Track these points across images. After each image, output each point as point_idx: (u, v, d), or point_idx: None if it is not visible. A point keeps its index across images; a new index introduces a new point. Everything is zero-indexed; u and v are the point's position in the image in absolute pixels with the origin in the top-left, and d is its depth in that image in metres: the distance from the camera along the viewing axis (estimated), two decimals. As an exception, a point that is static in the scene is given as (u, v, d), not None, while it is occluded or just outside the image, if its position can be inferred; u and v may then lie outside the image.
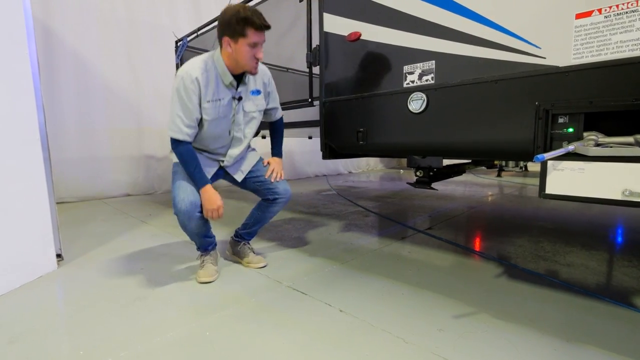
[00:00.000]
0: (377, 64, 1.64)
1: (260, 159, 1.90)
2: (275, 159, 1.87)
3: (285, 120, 1.99)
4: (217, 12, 5.51)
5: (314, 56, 1.95)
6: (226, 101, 1.57)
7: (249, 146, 1.87)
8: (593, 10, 1.07)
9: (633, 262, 1.93)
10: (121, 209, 3.77)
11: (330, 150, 1.95)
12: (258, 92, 1.69)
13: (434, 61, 1.44)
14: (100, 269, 1.92)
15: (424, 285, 1.65)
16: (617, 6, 1.03)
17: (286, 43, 2.47)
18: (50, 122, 2.00)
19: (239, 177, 1.81)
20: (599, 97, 1.09)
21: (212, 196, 1.57)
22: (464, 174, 3.38)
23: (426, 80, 1.47)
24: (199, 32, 3.35)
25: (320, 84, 1.91)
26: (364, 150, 1.77)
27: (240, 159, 1.82)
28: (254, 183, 1.84)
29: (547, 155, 1.09)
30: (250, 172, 1.83)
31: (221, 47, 1.52)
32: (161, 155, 4.86)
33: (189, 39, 3.47)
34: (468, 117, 1.37)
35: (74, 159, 4.16)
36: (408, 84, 1.53)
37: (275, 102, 1.83)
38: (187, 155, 1.57)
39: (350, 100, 1.78)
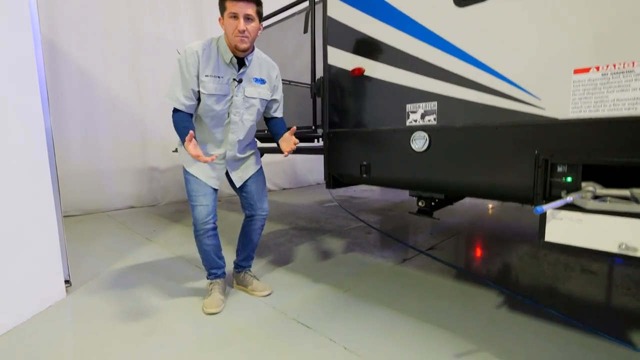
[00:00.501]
0: (380, 100, 1.68)
1: (260, 171, 1.94)
2: (286, 135, 1.72)
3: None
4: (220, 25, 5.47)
5: (318, 87, 1.98)
6: (225, 80, 1.61)
7: (253, 146, 1.90)
8: (591, 67, 1.10)
9: (632, 289, 1.95)
10: (125, 223, 3.81)
11: (334, 180, 1.98)
12: (263, 81, 1.71)
13: (436, 102, 1.47)
14: (108, 297, 1.96)
15: (427, 317, 1.68)
16: (614, 65, 1.06)
17: (293, 66, 2.51)
18: (55, 136, 2.03)
19: (237, 183, 1.86)
20: (596, 151, 1.12)
21: (190, 146, 1.49)
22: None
23: (428, 121, 1.51)
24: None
25: (323, 115, 1.95)
26: (367, 182, 1.81)
27: (243, 161, 1.85)
28: (242, 192, 1.91)
29: (545, 207, 1.12)
30: (246, 180, 1.88)
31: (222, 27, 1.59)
32: (164, 167, 4.90)
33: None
34: (470, 159, 1.41)
35: (78, 172, 4.20)
36: (411, 122, 1.57)
37: (278, 96, 1.82)
38: (179, 122, 1.59)
39: (354, 133, 1.81)
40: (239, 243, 2.03)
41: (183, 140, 1.52)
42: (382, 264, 2.43)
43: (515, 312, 1.72)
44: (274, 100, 1.81)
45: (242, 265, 2.04)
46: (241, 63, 1.63)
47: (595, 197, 1.13)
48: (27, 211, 1.77)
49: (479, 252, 2.73)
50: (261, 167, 1.95)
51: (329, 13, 1.85)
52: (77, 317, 1.76)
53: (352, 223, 3.71)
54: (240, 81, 1.63)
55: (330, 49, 1.87)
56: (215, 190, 1.81)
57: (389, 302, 1.85)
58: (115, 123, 4.46)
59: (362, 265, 2.42)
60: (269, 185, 6.16)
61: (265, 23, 2.58)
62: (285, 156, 1.67)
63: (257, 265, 2.42)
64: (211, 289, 1.85)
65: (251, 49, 1.63)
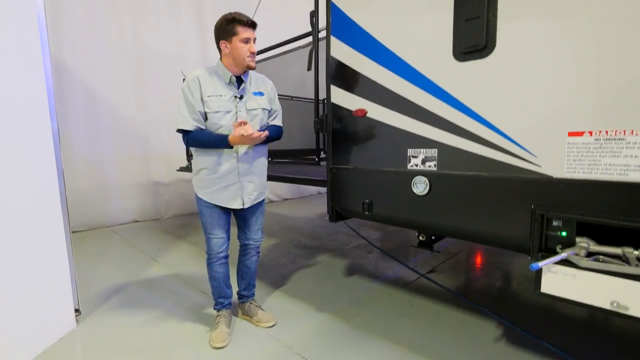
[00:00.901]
0: (383, 142, 1.73)
1: (264, 201, 2.00)
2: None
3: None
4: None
5: (322, 123, 2.04)
6: (227, 97, 1.73)
7: (264, 165, 1.95)
8: (585, 132, 1.15)
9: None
10: (130, 240, 3.87)
11: (337, 214, 2.04)
12: (262, 93, 1.85)
13: (436, 150, 1.52)
14: (117, 329, 2.01)
15: (428, 352, 1.73)
16: (607, 132, 1.11)
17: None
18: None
19: (247, 203, 1.85)
20: (590, 210, 1.17)
21: (236, 134, 1.65)
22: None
23: (429, 166, 1.56)
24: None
25: (327, 150, 2.00)
26: (369, 219, 1.86)
27: (254, 182, 1.87)
28: (240, 218, 1.97)
29: (541, 264, 1.18)
30: (250, 206, 1.90)
31: (220, 52, 1.74)
32: (168, 180, 4.95)
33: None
34: (469, 207, 1.46)
35: (83, 188, 4.25)
36: (412, 166, 1.62)
37: (275, 106, 1.95)
38: (201, 135, 1.72)
39: (357, 170, 1.86)
40: (238, 273, 2.10)
41: (221, 143, 1.70)
42: (383, 289, 2.48)
43: (514, 346, 1.77)
44: (272, 110, 1.93)
45: (245, 295, 2.10)
46: (239, 81, 1.77)
47: (589, 253, 1.19)
48: (37, 239, 1.80)
49: (477, 276, 2.78)
50: (264, 200, 2.02)
51: (332, 53, 1.90)
52: (88, 350, 1.81)
53: (353, 240, 3.77)
54: (241, 97, 1.77)
55: (333, 88, 1.92)
56: (229, 214, 1.89)
57: (391, 334, 1.90)
58: (118, 138, 4.52)
59: (364, 290, 2.47)
60: (270, 195, 6.21)
61: (273, 52, 2.64)
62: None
63: (260, 290, 2.47)
64: (218, 322, 1.90)
65: None
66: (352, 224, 4.46)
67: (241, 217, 1.96)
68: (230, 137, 1.68)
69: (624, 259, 1.12)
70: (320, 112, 2.21)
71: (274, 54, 2.81)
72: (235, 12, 1.68)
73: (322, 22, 2.06)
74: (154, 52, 4.71)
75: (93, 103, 4.32)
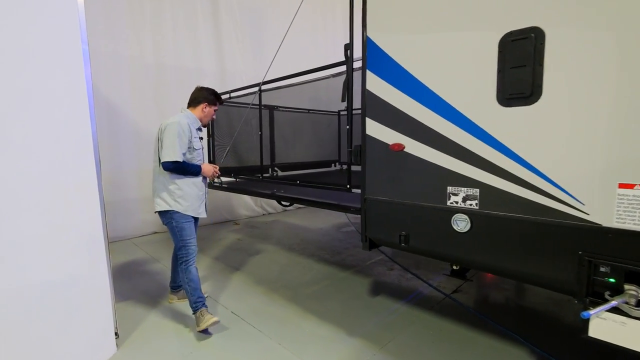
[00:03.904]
0: (420, 177, 1.76)
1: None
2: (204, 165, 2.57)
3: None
4: (239, 54, 5.62)
5: (356, 154, 2.07)
6: (198, 138, 2.44)
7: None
8: (635, 185, 1.18)
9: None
10: (152, 253, 3.93)
11: (371, 242, 2.07)
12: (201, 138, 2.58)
13: (478, 190, 1.55)
14: (154, 354, 2.06)
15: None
16: (659, 186, 1.14)
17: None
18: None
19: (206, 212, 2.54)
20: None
21: (206, 167, 2.44)
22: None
23: (470, 205, 1.59)
24: (231, 95, 3.51)
25: (361, 181, 2.04)
26: (406, 251, 1.89)
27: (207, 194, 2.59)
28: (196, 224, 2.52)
29: (592, 313, 1.21)
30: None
31: (196, 106, 2.46)
32: (186, 192, 5.01)
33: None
34: (511, 246, 1.49)
35: (106, 201, 4.32)
36: (452, 203, 1.65)
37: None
38: (185, 164, 2.30)
39: (392, 203, 1.90)
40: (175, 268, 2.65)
41: (198, 170, 2.37)
42: (411, 312, 2.51)
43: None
44: None
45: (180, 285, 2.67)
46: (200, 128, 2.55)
47: (639, 302, 1.21)
48: (79, 256, 1.90)
49: (503, 296, 2.80)
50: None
51: (368, 87, 1.94)
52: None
53: (373, 255, 3.80)
54: (202, 138, 2.51)
55: (368, 120, 1.96)
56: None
57: (425, 363, 1.93)
58: (139, 152, 4.59)
59: (391, 313, 2.50)
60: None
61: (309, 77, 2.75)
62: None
63: (288, 311, 2.52)
64: (205, 315, 2.24)
65: None
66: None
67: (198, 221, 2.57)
68: (204, 166, 2.43)
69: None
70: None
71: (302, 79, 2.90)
72: (216, 91, 2.52)
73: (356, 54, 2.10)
74: (173, 67, 4.78)
75: (115, 118, 4.40)
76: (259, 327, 2.32)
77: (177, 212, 2.30)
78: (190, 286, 2.29)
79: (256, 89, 3.17)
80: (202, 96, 2.45)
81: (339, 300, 2.72)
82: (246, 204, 5.86)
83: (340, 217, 5.76)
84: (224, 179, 3.70)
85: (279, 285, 3.02)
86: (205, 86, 2.52)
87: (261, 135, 3.23)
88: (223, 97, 3.95)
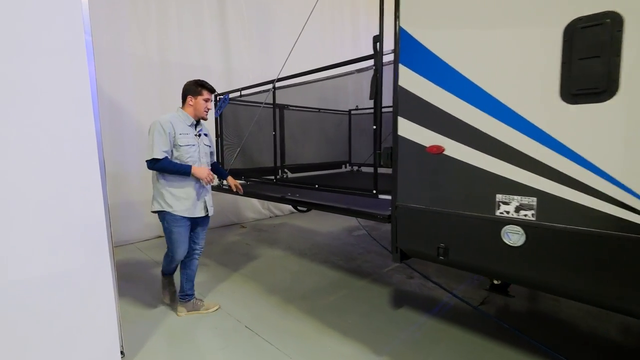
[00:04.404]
0: (463, 183, 1.58)
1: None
2: (229, 177, 2.76)
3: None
4: (245, 52, 5.47)
5: (385, 156, 1.89)
6: (191, 135, 2.32)
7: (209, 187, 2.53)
8: None
9: None
10: (155, 258, 3.75)
11: (402, 253, 1.89)
12: (207, 135, 2.49)
13: (535, 199, 1.37)
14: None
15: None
16: None
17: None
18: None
19: (211, 212, 2.47)
20: None
21: (200, 170, 2.28)
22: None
23: (524, 215, 1.41)
24: (242, 93, 3.33)
25: (392, 186, 1.85)
26: (444, 264, 1.71)
27: (208, 196, 2.47)
28: (193, 230, 2.46)
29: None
30: (204, 216, 2.44)
31: (184, 102, 2.35)
32: (191, 195, 4.83)
33: (230, 95, 3.45)
34: (576, 264, 1.31)
35: (109, 204, 4.14)
36: (502, 213, 1.47)
37: (212, 148, 2.61)
38: (167, 163, 2.21)
39: (428, 211, 1.72)
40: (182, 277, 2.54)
41: (186, 171, 2.23)
42: (437, 326, 2.33)
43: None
44: (212, 149, 2.59)
45: (191, 294, 2.55)
46: (197, 123, 2.40)
47: None
48: (84, 271, 1.75)
49: (534, 308, 2.62)
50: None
51: (400, 83, 1.76)
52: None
53: (388, 261, 3.62)
54: (199, 135, 2.38)
55: (401, 120, 1.78)
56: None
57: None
58: (142, 154, 4.40)
59: (418, 327, 2.32)
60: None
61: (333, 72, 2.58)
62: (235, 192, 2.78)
63: (307, 325, 2.35)
64: (199, 301, 2.49)
65: None
66: (384, 241, 4.32)
67: (197, 223, 2.47)
68: (192, 170, 2.25)
69: None
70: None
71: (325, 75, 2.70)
72: (202, 80, 2.36)
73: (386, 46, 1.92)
74: (178, 65, 4.60)
75: (118, 118, 4.22)
76: (276, 344, 2.14)
77: (168, 212, 2.27)
78: (188, 279, 2.48)
79: (268, 86, 2.98)
80: (185, 90, 2.35)
81: (359, 313, 2.54)
82: (253, 206, 5.68)
83: (350, 220, 5.57)
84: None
85: (293, 295, 2.83)
86: (194, 79, 2.37)
87: (275, 135, 3.04)
88: (233, 95, 3.80)
